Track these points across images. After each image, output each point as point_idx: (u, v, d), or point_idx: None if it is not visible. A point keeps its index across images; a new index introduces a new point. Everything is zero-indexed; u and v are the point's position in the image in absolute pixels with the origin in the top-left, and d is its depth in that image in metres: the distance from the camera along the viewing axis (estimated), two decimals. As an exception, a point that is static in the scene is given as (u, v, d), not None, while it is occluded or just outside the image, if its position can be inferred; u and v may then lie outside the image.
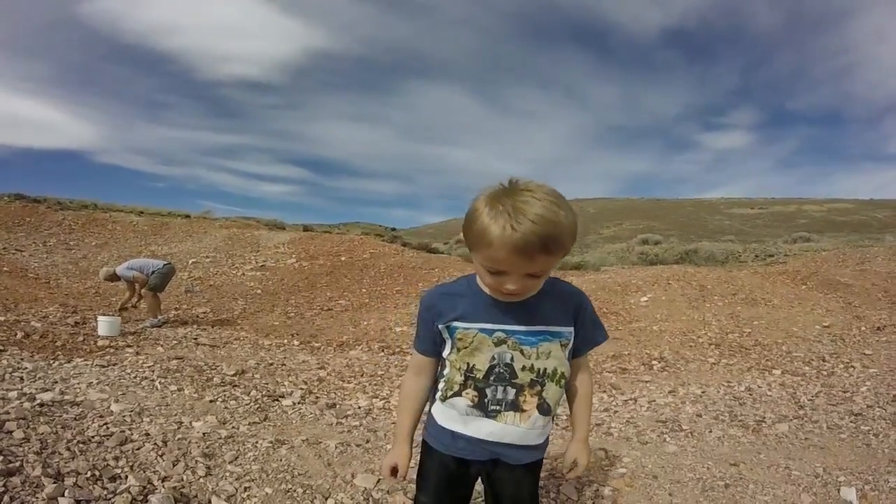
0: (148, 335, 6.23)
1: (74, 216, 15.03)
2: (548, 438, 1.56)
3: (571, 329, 1.40)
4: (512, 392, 1.41)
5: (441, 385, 1.51)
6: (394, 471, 1.55)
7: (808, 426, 3.40)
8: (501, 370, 1.39)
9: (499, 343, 1.39)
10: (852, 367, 4.86)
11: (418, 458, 1.62)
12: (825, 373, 4.72)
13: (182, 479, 2.52)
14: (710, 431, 3.43)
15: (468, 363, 1.41)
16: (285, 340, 6.82)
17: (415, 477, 1.63)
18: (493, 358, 1.39)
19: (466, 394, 1.44)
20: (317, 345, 6.71)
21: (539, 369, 1.40)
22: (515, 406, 1.43)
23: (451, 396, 1.47)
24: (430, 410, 1.59)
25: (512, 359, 1.40)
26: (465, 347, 1.40)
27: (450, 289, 1.48)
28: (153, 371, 4.38)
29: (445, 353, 1.45)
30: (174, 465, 2.64)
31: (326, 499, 2.48)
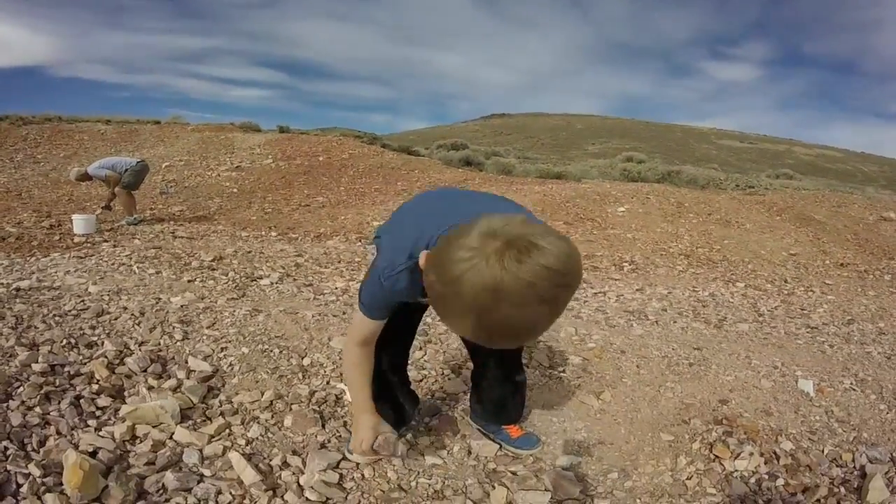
0: (124, 231, 6.15)
1: (39, 130, 14.31)
2: None
3: None
4: None
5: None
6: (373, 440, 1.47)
7: (767, 329, 3.52)
8: None
9: None
10: (812, 291, 5.02)
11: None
12: (786, 292, 4.87)
13: (159, 343, 2.52)
14: (675, 322, 3.52)
15: None
16: (263, 232, 6.72)
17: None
18: None
19: None
20: (294, 236, 6.61)
21: None
22: None
23: None
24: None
25: None
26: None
27: (412, 281, 1.25)
28: (131, 259, 4.32)
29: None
30: (151, 332, 2.63)
31: (303, 358, 2.49)
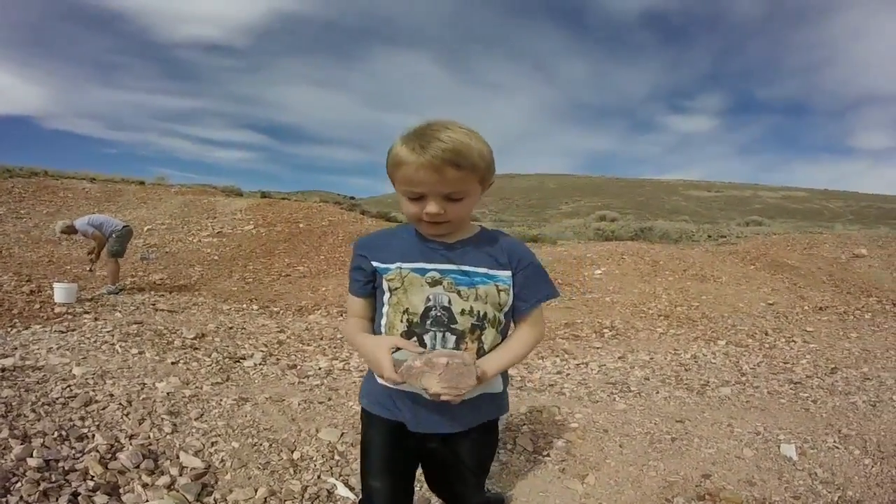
0: (105, 301, 6.18)
1: (24, 184, 14.49)
2: (503, 400, 1.53)
3: (509, 274, 1.38)
4: (452, 340, 1.35)
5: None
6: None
7: (750, 391, 3.59)
8: (439, 313, 1.35)
9: (434, 283, 1.35)
10: (793, 341, 5.15)
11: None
12: (767, 345, 4.99)
13: (149, 437, 2.54)
14: (657, 392, 3.57)
15: (404, 307, 1.36)
16: (244, 305, 6.78)
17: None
18: (429, 299, 1.35)
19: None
20: (276, 309, 6.67)
21: (479, 312, 1.36)
22: None
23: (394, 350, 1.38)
24: (368, 371, 1.53)
25: (450, 301, 1.35)
26: (398, 288, 1.36)
27: (383, 232, 1.48)
28: (113, 336, 4.34)
29: (383, 301, 1.40)
30: (140, 423, 2.66)
31: (292, 451, 2.53)
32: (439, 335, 1.35)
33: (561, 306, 7.51)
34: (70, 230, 6.83)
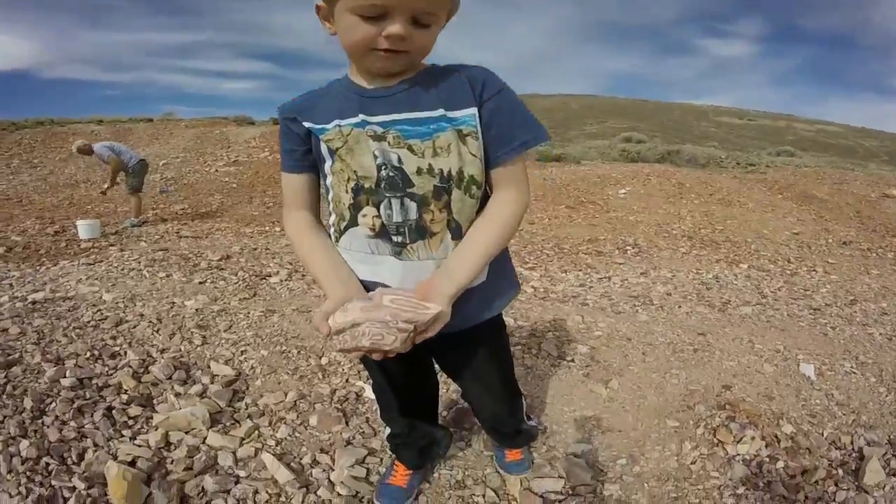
0: (129, 234, 6.19)
1: (32, 134, 14.33)
2: (502, 289, 1.23)
3: (473, 111, 1.03)
4: (413, 208, 1.06)
5: (331, 220, 1.17)
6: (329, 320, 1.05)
7: (770, 312, 3.56)
8: (391, 174, 1.05)
9: (377, 138, 1.04)
10: (815, 271, 5.05)
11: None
12: (789, 272, 4.90)
13: (180, 350, 2.57)
14: (679, 307, 3.56)
15: (353, 171, 1.07)
16: (266, 228, 6.77)
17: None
18: (376, 156, 1.04)
19: (363, 217, 1.09)
20: None
21: (440, 171, 1.04)
22: (421, 230, 1.07)
23: (347, 228, 1.13)
24: None
25: (400, 160, 1.04)
26: (341, 148, 1.06)
27: (310, 91, 1.17)
28: (139, 262, 4.34)
29: (326, 171, 1.13)
30: (171, 338, 2.69)
31: (320, 357, 2.56)
32: (396, 203, 1.06)
33: (584, 223, 7.41)
34: (86, 150, 6.74)
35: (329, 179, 1.13)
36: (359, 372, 2.43)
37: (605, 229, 6.81)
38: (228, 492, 1.67)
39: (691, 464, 1.76)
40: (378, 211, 1.08)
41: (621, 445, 1.90)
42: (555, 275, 4.78)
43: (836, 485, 1.69)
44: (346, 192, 1.09)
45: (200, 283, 3.78)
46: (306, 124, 1.10)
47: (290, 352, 2.60)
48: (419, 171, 1.04)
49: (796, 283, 4.53)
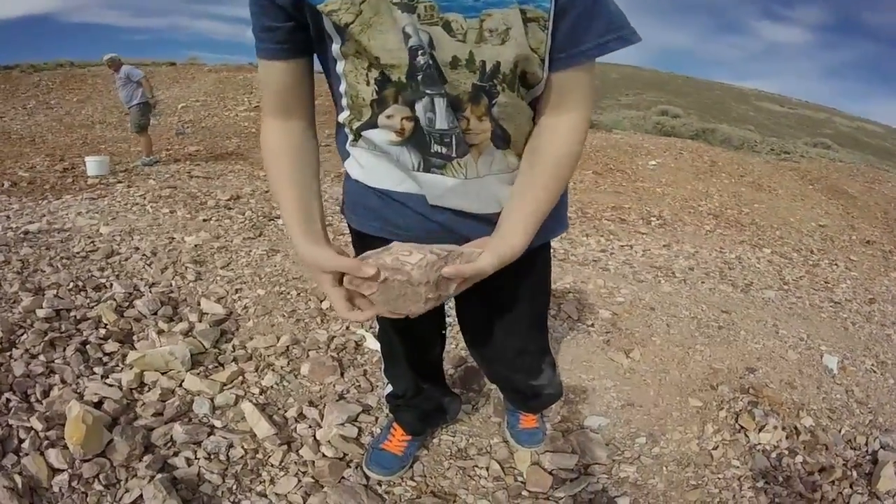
0: (139, 172, 5.85)
1: (51, 76, 13.79)
2: (550, 225, 0.91)
3: None
4: (447, 109, 0.77)
5: (342, 117, 0.86)
6: (341, 283, 0.82)
7: (793, 299, 3.42)
8: (425, 61, 0.72)
9: (406, 7, 0.68)
10: (836, 265, 4.86)
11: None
12: (811, 263, 4.72)
13: (171, 285, 2.35)
14: (702, 283, 3.43)
15: (373, 57, 0.73)
16: None
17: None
18: (408, 35, 0.70)
19: (387, 119, 0.79)
20: None
21: (487, 62, 0.73)
22: (459, 142, 0.80)
23: (365, 127, 0.83)
24: (345, 173, 0.98)
25: (431, 42, 0.71)
26: (352, 24, 0.70)
27: None
28: (145, 198, 4.06)
29: (332, 55, 0.77)
30: (162, 272, 2.46)
31: (321, 301, 2.35)
32: (440, 102, 0.76)
33: (610, 190, 7.18)
34: (116, 63, 6.36)
35: (339, 65, 0.78)
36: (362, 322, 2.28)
37: (630, 198, 6.60)
38: (199, 443, 1.46)
39: (713, 449, 1.65)
40: (412, 111, 0.78)
41: (641, 422, 1.78)
42: (576, 238, 4.64)
43: (850, 487, 1.60)
44: (368, 83, 0.77)
45: (205, 220, 3.56)
46: None
47: (288, 293, 2.39)
48: (455, 62, 0.72)
49: (818, 275, 4.36)
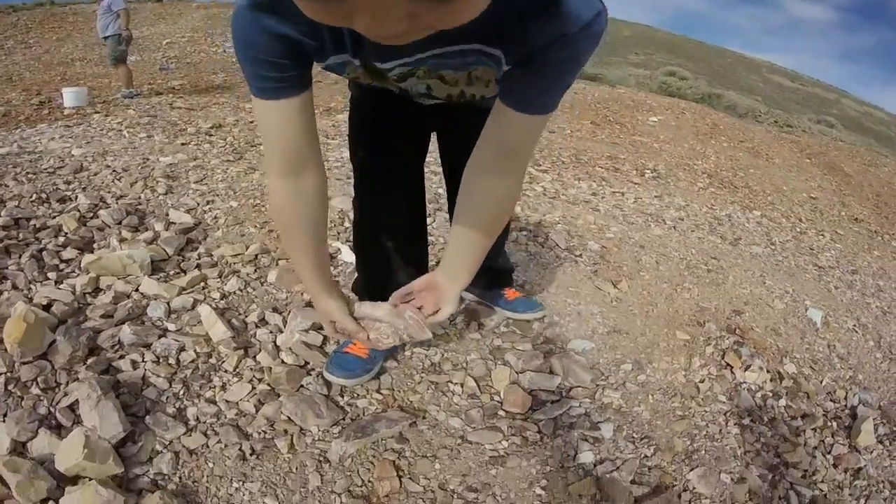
0: (119, 103, 5.47)
1: (30, 15, 12.93)
2: None
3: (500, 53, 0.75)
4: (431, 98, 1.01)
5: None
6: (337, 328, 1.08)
7: (779, 257, 3.32)
8: (420, 90, 0.95)
9: (402, 78, 0.84)
10: (823, 235, 4.76)
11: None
12: (799, 230, 4.62)
13: (139, 197, 2.16)
14: (692, 232, 3.30)
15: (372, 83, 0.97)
16: None
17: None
18: (401, 89, 0.96)
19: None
20: None
21: (472, 94, 0.95)
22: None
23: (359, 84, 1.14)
24: None
25: (429, 88, 0.91)
26: (357, 77, 0.93)
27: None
28: (122, 125, 3.77)
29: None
30: (132, 186, 2.26)
31: None
32: (426, 98, 1.03)
33: (607, 141, 6.92)
34: None
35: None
36: (338, 234, 2.10)
37: (626, 150, 6.37)
38: (149, 346, 1.34)
39: (700, 382, 1.54)
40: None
41: (627, 349, 1.66)
42: (567, 181, 4.45)
43: (832, 436, 1.51)
44: (370, 81, 0.95)
45: (183, 143, 3.32)
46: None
47: (263, 206, 2.22)
48: (448, 97, 0.97)
49: (804, 241, 4.25)
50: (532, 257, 2.22)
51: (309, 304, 1.60)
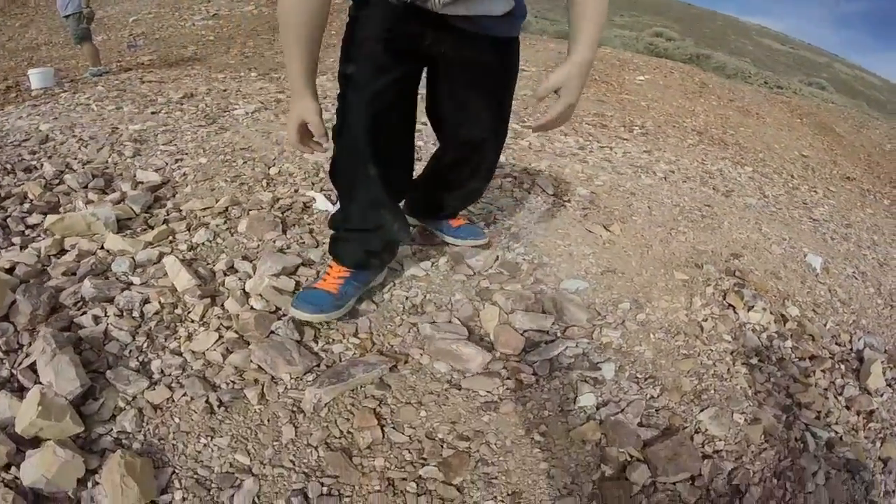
0: (87, 81, 5.34)
1: None
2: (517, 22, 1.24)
3: None
4: None
5: None
6: (303, 130, 1.17)
7: (773, 208, 3.26)
8: None
9: None
10: (815, 191, 4.73)
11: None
12: (791, 186, 4.58)
13: (106, 161, 2.08)
14: (684, 182, 3.22)
15: None
16: (242, 73, 5.85)
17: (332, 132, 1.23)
18: None
19: None
20: (276, 76, 5.75)
21: None
22: None
23: None
24: None
25: None
26: None
27: None
28: (90, 100, 3.64)
29: None
30: (98, 151, 2.19)
31: (269, 167, 2.11)
32: None
33: (593, 98, 6.79)
34: None
35: None
36: (312, 184, 2.01)
37: (614, 108, 6.26)
38: (112, 300, 1.28)
39: (703, 321, 1.47)
40: None
41: (624, 289, 1.57)
42: (554, 136, 4.32)
43: (842, 377, 1.44)
44: None
45: (153, 113, 3.20)
46: None
47: (234, 161, 2.16)
48: None
49: (797, 196, 4.22)
50: (518, 202, 2.11)
51: (280, 251, 1.53)
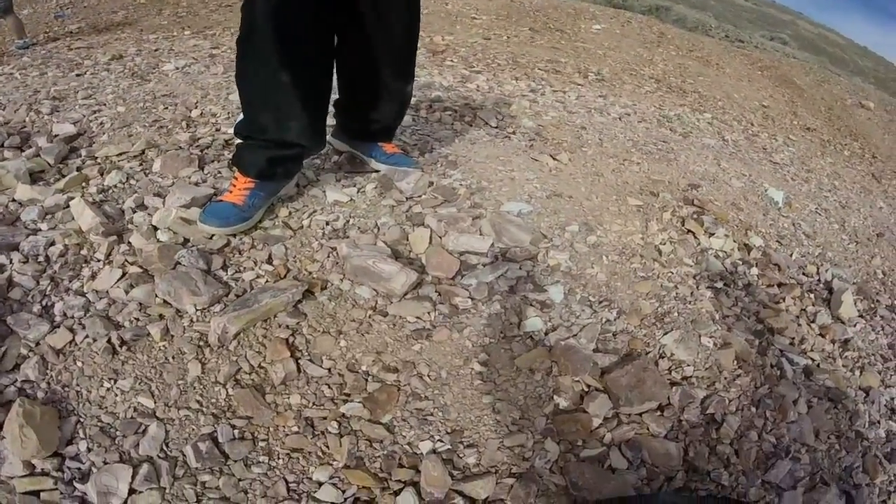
0: (13, 54, 5.27)
1: None
2: None
3: None
4: None
5: None
6: None
7: (732, 149, 3.24)
8: None
9: None
10: (775, 139, 4.80)
11: None
12: (751, 133, 4.62)
13: (24, 121, 1.98)
14: (640, 123, 3.14)
15: None
16: (175, 33, 5.56)
17: None
18: None
19: None
20: (211, 33, 5.48)
21: None
22: None
23: None
24: None
25: None
26: None
27: None
28: (14, 69, 3.50)
29: None
30: (16, 112, 2.08)
31: (191, 110, 2.02)
32: None
33: (546, 46, 6.68)
34: None
35: None
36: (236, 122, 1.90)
37: (568, 55, 6.16)
38: (17, 247, 1.22)
39: (661, 244, 1.38)
40: None
41: (572, 212, 1.47)
42: (504, 80, 4.18)
43: (813, 305, 1.38)
44: None
45: (78, 75, 3.05)
46: None
47: (154, 108, 2.05)
48: None
49: (756, 143, 4.25)
50: (457, 133, 1.99)
51: (195, 185, 1.48)
